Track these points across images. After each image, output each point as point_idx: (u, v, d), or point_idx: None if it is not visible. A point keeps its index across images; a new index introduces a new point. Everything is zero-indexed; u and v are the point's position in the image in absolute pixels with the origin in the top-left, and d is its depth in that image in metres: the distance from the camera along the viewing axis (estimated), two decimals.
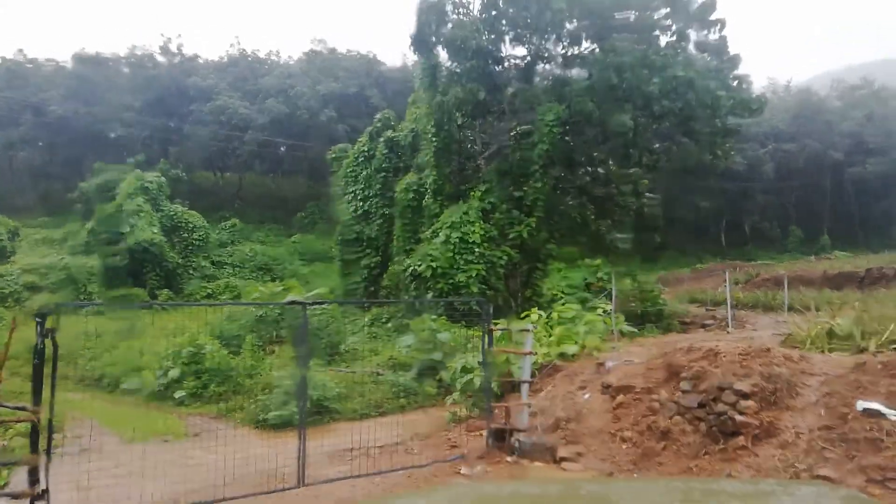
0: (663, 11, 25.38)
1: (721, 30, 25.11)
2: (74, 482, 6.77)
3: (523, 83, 25.07)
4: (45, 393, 5.92)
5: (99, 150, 54.35)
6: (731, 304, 18.11)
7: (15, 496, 6.11)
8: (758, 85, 49.06)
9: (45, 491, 5.82)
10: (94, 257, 35.96)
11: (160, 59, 60.45)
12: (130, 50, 60.74)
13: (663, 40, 25.56)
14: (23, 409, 5.95)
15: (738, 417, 8.36)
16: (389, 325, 22.89)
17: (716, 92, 23.23)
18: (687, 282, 33.40)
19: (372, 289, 28.72)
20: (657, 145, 25.75)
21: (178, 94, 56.03)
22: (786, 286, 20.67)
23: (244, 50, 64.22)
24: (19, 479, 7.36)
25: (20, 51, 63.72)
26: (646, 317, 17.54)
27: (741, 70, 25.08)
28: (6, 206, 43.79)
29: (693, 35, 25.99)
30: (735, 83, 24.89)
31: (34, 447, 5.78)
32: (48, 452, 5.91)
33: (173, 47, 60.87)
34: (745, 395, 8.49)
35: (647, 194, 26.21)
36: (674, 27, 25.44)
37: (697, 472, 7.92)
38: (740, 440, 8.26)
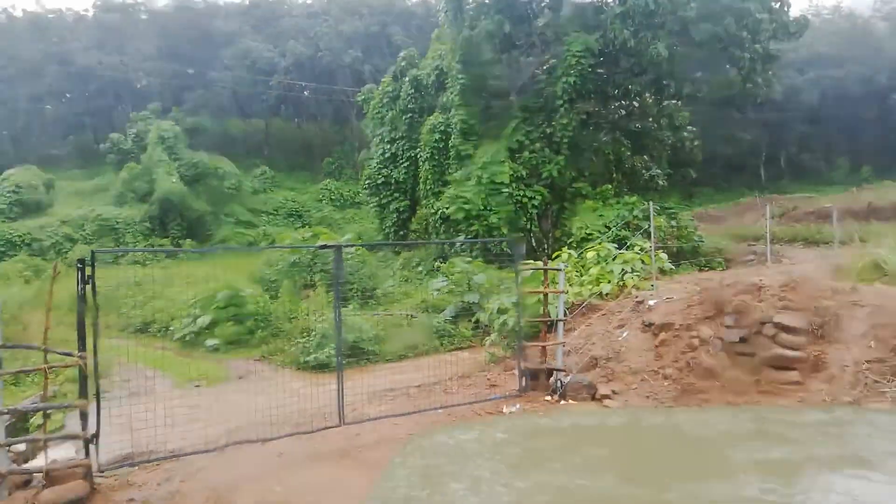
0: None
1: None
2: (124, 424, 6.95)
3: (552, 13, 23.93)
4: (90, 340, 6.01)
5: (126, 99, 54.58)
6: (770, 239, 17.56)
7: (69, 438, 6.31)
8: (798, 8, 46.26)
9: (96, 434, 5.97)
10: (129, 208, 36.61)
11: (177, 2, 59.54)
12: None
13: None
14: (69, 354, 6.05)
15: (783, 351, 8.19)
16: (420, 268, 22.89)
17: (755, 15, 21.91)
18: (726, 218, 32.54)
19: (402, 233, 28.64)
20: (697, 74, 24.60)
21: (201, 40, 55.40)
22: (834, 218, 19.94)
23: None
24: (74, 423, 7.61)
25: (38, 2, 63.44)
26: (683, 254, 17.15)
27: None
28: (37, 158, 44.52)
29: None
30: (777, 5, 23.42)
31: (83, 392, 5.90)
32: (97, 397, 6.03)
33: None
34: (791, 329, 8.28)
35: (688, 127, 25.26)
36: None
37: (742, 407, 7.81)
38: (786, 374, 8.10)
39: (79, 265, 5.85)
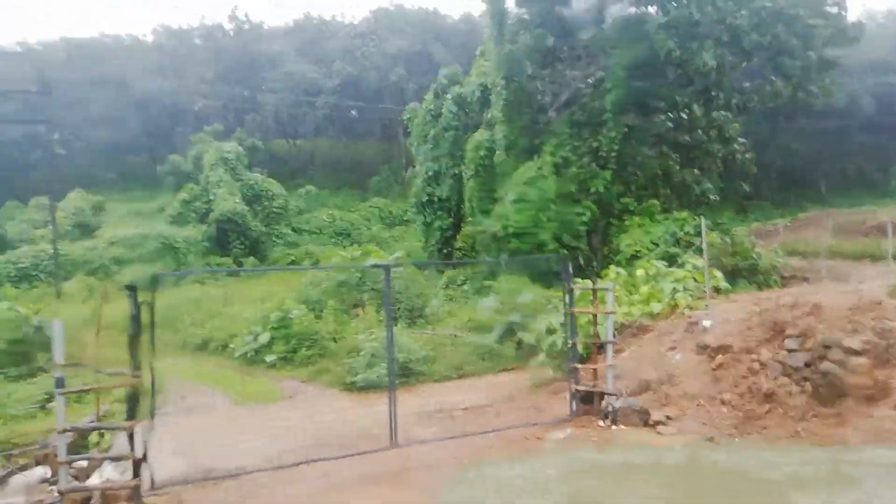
0: None
1: None
2: (174, 443, 7.10)
3: (594, 26, 23.69)
4: (145, 359, 6.16)
5: (186, 122, 56.60)
6: (832, 255, 16.82)
7: (121, 458, 6.46)
8: (852, 14, 44.64)
9: (145, 454, 6.09)
10: (187, 228, 37.76)
11: (228, 28, 61.72)
12: (201, 21, 62.46)
13: None
14: (121, 374, 6.20)
15: (849, 376, 7.77)
16: (466, 287, 22.78)
17: (808, 21, 21.23)
18: (784, 233, 31.34)
19: (445, 250, 28.62)
20: (746, 84, 23.91)
21: (250, 63, 57.15)
22: (889, 233, 18.96)
23: (309, 13, 64.63)
24: (121, 443, 7.81)
25: (101, 32, 66.79)
26: (738, 272, 16.53)
27: None
28: (92, 182, 46.41)
29: None
30: (834, 9, 22.64)
31: (131, 413, 6.03)
32: (151, 415, 6.16)
33: (241, 15, 61.96)
34: (856, 353, 7.87)
35: (739, 139, 24.54)
36: None
37: (806, 436, 7.44)
38: (851, 401, 7.69)
39: (129, 292, 6.01)
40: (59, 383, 5.83)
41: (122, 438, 8.23)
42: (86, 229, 37.65)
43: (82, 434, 8.50)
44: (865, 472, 6.38)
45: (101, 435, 7.30)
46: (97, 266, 32.48)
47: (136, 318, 6.05)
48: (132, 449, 6.00)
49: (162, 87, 53.83)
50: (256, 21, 63.02)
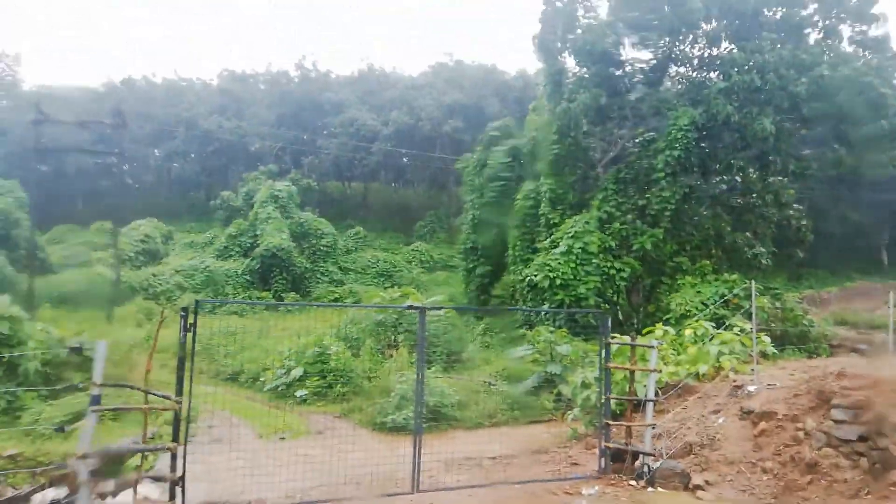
0: (812, 7, 23.24)
1: (883, 24, 22.62)
2: (206, 471, 7.13)
3: (648, 87, 23.91)
4: (186, 385, 6.23)
5: (240, 161, 59.17)
6: (893, 328, 15.95)
7: (157, 479, 6.51)
8: None
9: (182, 477, 6.12)
10: (232, 261, 38.84)
11: (293, 75, 64.64)
12: (267, 67, 65.68)
13: (812, 38, 23.44)
14: (168, 398, 6.30)
15: None
16: (503, 335, 22.58)
17: (879, 90, 20.89)
18: (834, 302, 30.10)
19: (483, 297, 28.61)
20: (805, 152, 23.51)
21: (312, 109, 59.61)
22: None
23: (372, 64, 67.16)
24: (163, 465, 7.87)
25: (175, 71, 70.97)
26: (787, 338, 15.91)
27: None
28: (161, 212, 48.45)
29: (847, 31, 23.63)
30: None
31: (176, 435, 6.09)
32: (185, 441, 6.21)
33: (308, 64, 64.87)
34: None
35: (794, 205, 23.99)
36: (822, 23, 23.25)
37: None
38: None
39: (182, 313, 6.15)
40: (95, 401, 5.76)
41: (163, 461, 8.32)
42: (151, 256, 39.09)
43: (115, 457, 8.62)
44: None
45: (145, 457, 7.36)
46: (160, 291, 33.39)
47: (184, 344, 6.17)
48: (173, 469, 6.03)
49: (223, 126, 56.48)
50: (324, 70, 65.83)
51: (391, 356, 16.57)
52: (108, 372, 6.10)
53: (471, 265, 29.52)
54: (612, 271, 21.25)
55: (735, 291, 17.71)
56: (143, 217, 43.04)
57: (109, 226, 33.26)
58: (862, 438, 7.50)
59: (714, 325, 13.24)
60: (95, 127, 39.18)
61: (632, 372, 8.60)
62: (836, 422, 7.66)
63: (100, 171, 56.02)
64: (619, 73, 24.18)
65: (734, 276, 20.02)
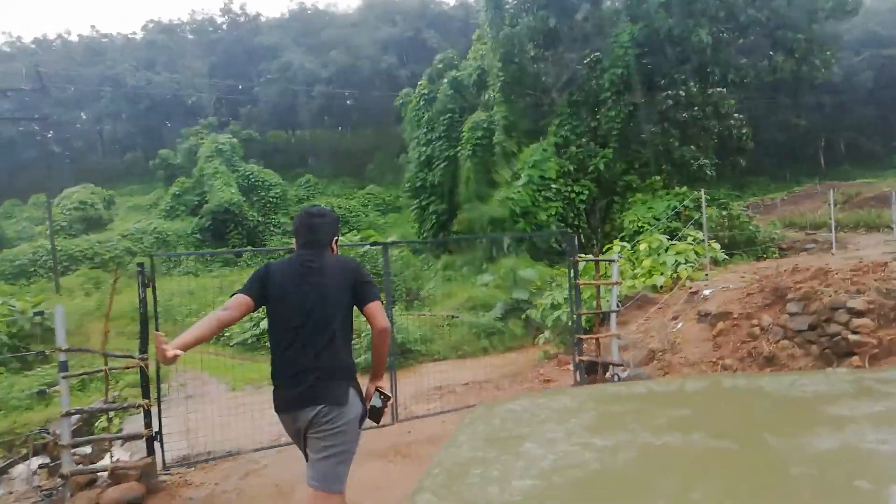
0: None
1: None
2: (182, 426, 7.08)
3: (592, 6, 23.55)
4: (151, 347, 6.10)
5: (177, 116, 56.51)
6: (834, 226, 16.76)
7: (134, 437, 6.43)
8: None
9: (159, 432, 6.07)
10: (180, 220, 37.72)
11: (220, 21, 61.37)
12: (192, 15, 62.09)
13: None
14: (130, 357, 6.17)
15: (853, 337, 7.73)
16: (464, 270, 22.70)
17: None
18: (781, 207, 31.35)
19: (440, 235, 28.39)
20: (743, 61, 23.74)
21: (245, 55, 56.98)
22: (894, 201, 18.96)
23: (304, 3, 64.16)
24: (132, 426, 7.79)
25: (93, 27, 66.44)
26: (736, 244, 16.53)
27: None
28: (98, 178, 46.38)
29: None
30: None
31: (145, 393, 6.00)
32: (158, 399, 6.14)
33: (235, 7, 61.64)
34: (860, 313, 7.82)
35: (735, 115, 24.42)
36: None
37: None
38: (855, 360, 7.66)
39: (139, 268, 5.99)
40: (63, 367, 5.76)
41: (132, 423, 8.24)
42: (93, 223, 37.58)
43: (89, 420, 8.50)
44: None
45: (110, 420, 7.25)
46: (109, 258, 32.40)
47: (143, 301, 5.99)
48: (148, 426, 5.95)
49: (153, 81, 53.63)
50: (252, 13, 62.65)
51: None
52: (66, 340, 5.94)
53: (424, 203, 29.10)
54: (573, 195, 21.46)
55: (685, 203, 18.20)
56: (80, 184, 41.13)
57: (44, 198, 32.00)
58: (812, 327, 7.92)
59: (668, 237, 13.64)
60: (13, 94, 36.77)
61: (598, 288, 8.80)
62: (791, 314, 8.03)
63: (25, 140, 52.84)
64: None
65: (683, 190, 20.48)
